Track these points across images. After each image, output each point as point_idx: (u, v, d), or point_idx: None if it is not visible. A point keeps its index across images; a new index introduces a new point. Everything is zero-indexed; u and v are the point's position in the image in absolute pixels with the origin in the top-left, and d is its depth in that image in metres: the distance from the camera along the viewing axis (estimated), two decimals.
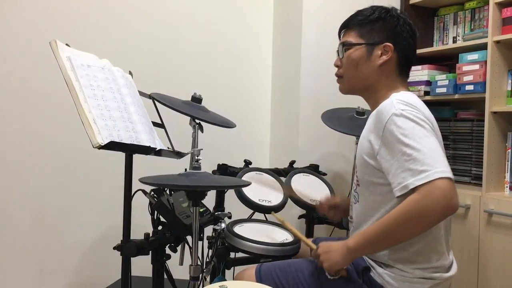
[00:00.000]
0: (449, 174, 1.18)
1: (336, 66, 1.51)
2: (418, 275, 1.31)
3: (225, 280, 1.66)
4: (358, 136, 2.25)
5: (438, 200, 1.16)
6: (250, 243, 1.64)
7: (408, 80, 1.51)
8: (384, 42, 1.41)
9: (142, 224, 1.69)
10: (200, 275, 1.50)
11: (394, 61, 1.43)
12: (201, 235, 1.77)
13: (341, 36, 1.52)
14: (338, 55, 1.50)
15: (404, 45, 1.43)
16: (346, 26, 1.50)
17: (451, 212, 1.20)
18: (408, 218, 1.20)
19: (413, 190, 1.19)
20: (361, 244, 1.29)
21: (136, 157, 1.56)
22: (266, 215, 1.95)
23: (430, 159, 1.19)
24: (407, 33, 1.44)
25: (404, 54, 1.44)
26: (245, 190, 1.83)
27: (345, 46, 1.46)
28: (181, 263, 1.79)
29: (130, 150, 1.49)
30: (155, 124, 1.66)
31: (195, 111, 1.87)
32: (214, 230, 1.74)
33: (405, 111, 1.27)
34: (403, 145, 1.23)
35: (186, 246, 1.73)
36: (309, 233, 2.18)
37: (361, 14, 1.46)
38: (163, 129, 1.71)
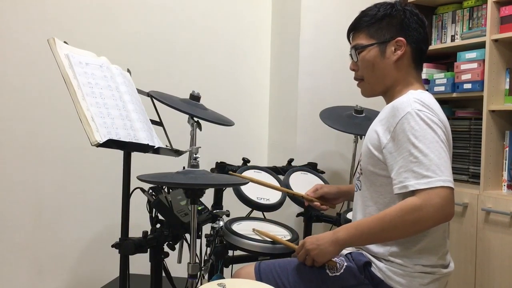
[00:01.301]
0: (451, 184, 1.21)
1: (353, 70, 1.51)
2: (418, 270, 1.33)
3: (223, 278, 1.66)
4: (356, 135, 2.26)
5: (436, 208, 1.19)
6: (248, 241, 1.64)
7: (422, 78, 1.50)
8: (395, 37, 1.41)
9: (140, 222, 1.69)
10: (198, 273, 1.50)
11: (409, 54, 1.43)
12: (199, 233, 1.77)
13: (351, 39, 1.51)
14: (352, 59, 1.49)
15: (416, 36, 1.43)
16: (354, 29, 1.49)
17: (446, 220, 1.25)
18: (405, 220, 1.22)
19: (413, 192, 1.22)
20: (353, 237, 1.31)
21: (134, 155, 1.55)
22: (264, 213, 1.96)
23: (436, 166, 1.21)
24: (416, 23, 1.44)
25: (417, 45, 1.44)
26: (244, 188, 1.83)
27: (358, 49, 1.45)
28: (179, 261, 1.79)
29: (128, 148, 1.48)
30: (153, 122, 1.66)
31: (194, 109, 1.87)
32: (212, 228, 1.74)
33: (421, 112, 1.27)
34: (412, 146, 1.24)
35: (184, 244, 1.73)
36: (307, 231, 2.18)
37: (367, 15, 1.45)
38: (161, 127, 1.71)
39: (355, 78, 1.52)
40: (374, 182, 1.39)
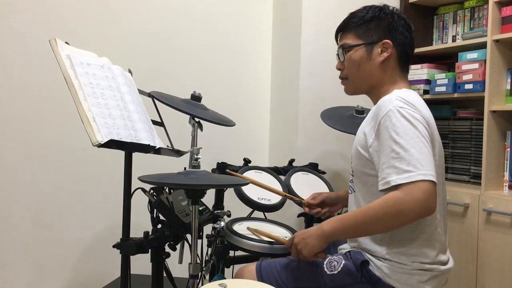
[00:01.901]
0: (432, 177, 1.22)
1: (339, 69, 1.54)
2: (416, 267, 1.33)
3: (224, 278, 1.66)
4: None
5: (417, 201, 1.20)
6: (249, 241, 1.64)
7: (408, 79, 1.52)
8: (382, 39, 1.44)
9: (142, 223, 1.69)
10: (199, 273, 1.51)
11: (395, 56, 1.45)
12: (201, 233, 1.77)
13: (338, 39, 1.55)
14: (339, 58, 1.52)
15: (402, 39, 1.46)
16: (342, 30, 1.52)
17: (427, 214, 1.25)
18: (387, 213, 1.24)
19: (395, 187, 1.23)
20: (337, 229, 1.34)
21: (136, 156, 1.56)
22: (265, 213, 1.96)
23: (416, 160, 1.22)
24: (403, 27, 1.46)
25: (403, 48, 1.46)
26: (245, 188, 1.83)
27: (345, 48, 1.49)
28: (180, 262, 1.79)
29: (129, 148, 1.49)
30: (154, 122, 1.66)
31: (195, 109, 1.87)
32: (213, 228, 1.74)
33: (402, 109, 1.29)
34: (393, 142, 1.26)
35: (186, 244, 1.73)
36: None
37: (356, 16, 1.49)
38: (162, 128, 1.71)
39: (340, 77, 1.54)
40: (366, 183, 1.40)
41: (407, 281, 1.33)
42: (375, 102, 1.48)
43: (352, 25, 1.48)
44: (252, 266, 1.48)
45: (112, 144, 1.34)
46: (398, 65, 1.47)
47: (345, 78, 1.52)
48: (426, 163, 1.22)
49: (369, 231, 1.34)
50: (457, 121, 2.41)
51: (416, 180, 1.20)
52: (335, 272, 1.38)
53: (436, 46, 2.57)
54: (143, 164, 1.72)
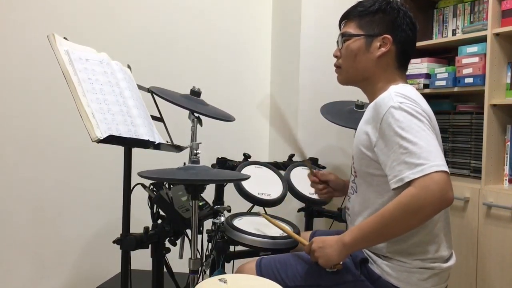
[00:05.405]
0: (445, 167, 1.19)
1: (335, 56, 1.52)
2: (417, 265, 1.32)
3: (225, 273, 1.66)
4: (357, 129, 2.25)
5: (434, 194, 1.17)
6: (250, 236, 1.65)
7: (408, 73, 1.51)
8: (383, 34, 1.42)
9: (142, 218, 1.69)
10: (200, 269, 1.51)
11: (393, 53, 1.43)
12: (201, 228, 1.77)
13: (342, 27, 1.53)
14: (338, 45, 1.51)
15: (404, 37, 1.43)
16: (346, 17, 1.50)
17: (446, 205, 1.22)
18: (405, 211, 1.20)
19: (409, 183, 1.21)
20: (358, 239, 1.29)
21: (135, 151, 1.55)
22: (265, 208, 1.96)
23: (427, 152, 1.20)
24: (407, 25, 1.44)
25: (403, 46, 1.44)
26: (245, 183, 1.83)
27: (344, 37, 1.47)
28: (180, 257, 1.80)
29: (129, 144, 1.48)
30: (154, 118, 1.66)
31: (194, 104, 1.87)
32: (214, 223, 1.74)
33: (403, 104, 1.27)
34: (400, 138, 1.23)
35: (186, 239, 1.73)
36: (309, 226, 2.19)
37: (362, 5, 1.46)
38: (162, 123, 1.71)
39: (335, 65, 1.53)
40: (371, 183, 1.38)
41: (407, 279, 1.32)
42: (369, 97, 1.47)
43: (356, 13, 1.46)
44: (252, 264, 1.48)
45: (111, 139, 1.34)
46: (395, 63, 1.44)
47: (339, 66, 1.51)
48: (437, 154, 1.20)
49: (390, 234, 1.28)
50: (457, 115, 2.41)
51: (429, 172, 1.17)
52: (335, 269, 1.37)
53: (436, 40, 2.56)
54: (142, 159, 1.72)
